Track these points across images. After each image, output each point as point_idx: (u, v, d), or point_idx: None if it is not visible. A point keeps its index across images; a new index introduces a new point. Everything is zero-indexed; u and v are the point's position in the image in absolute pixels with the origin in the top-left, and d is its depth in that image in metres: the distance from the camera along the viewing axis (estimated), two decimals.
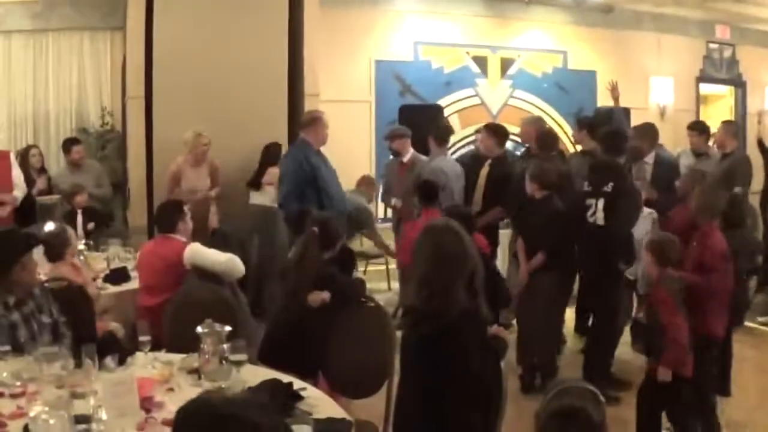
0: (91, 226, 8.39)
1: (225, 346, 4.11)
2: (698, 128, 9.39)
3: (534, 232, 6.86)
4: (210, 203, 7.65)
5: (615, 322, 7.05)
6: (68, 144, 9.61)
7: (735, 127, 9.54)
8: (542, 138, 8.11)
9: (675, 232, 6.12)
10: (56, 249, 5.91)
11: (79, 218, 8.46)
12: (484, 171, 8.38)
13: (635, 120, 10.52)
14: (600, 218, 6.83)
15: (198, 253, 5.94)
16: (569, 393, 2.79)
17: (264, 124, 8.75)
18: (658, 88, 14.31)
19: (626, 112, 10.61)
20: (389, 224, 10.07)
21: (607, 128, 7.83)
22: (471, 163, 8.76)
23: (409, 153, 9.01)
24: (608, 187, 6.84)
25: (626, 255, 6.82)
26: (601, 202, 6.83)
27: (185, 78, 8.56)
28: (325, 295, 5.23)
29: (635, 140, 8.16)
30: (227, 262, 5.88)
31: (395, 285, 10.46)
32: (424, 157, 8.90)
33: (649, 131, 8.51)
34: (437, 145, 8.73)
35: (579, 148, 9.00)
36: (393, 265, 10.71)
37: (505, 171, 8.20)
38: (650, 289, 5.78)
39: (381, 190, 9.87)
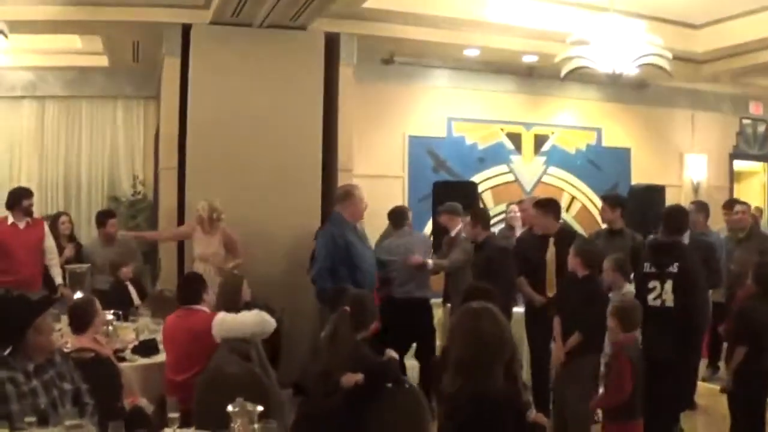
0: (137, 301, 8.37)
1: (256, 426, 4.01)
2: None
3: (573, 311, 6.73)
4: (242, 279, 7.57)
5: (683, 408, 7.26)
6: (102, 217, 9.45)
7: None
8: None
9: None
10: (82, 320, 5.80)
11: (132, 290, 8.45)
12: (551, 251, 7.92)
13: (670, 198, 10.48)
14: (669, 300, 6.77)
15: (226, 320, 5.93)
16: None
17: (297, 197, 8.76)
18: (692, 164, 14.21)
19: (661, 190, 10.59)
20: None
21: (671, 208, 7.87)
22: (530, 241, 8.35)
23: (457, 228, 8.89)
24: (674, 268, 6.81)
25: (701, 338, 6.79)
26: (668, 284, 6.78)
27: (219, 149, 8.61)
28: (359, 377, 5.12)
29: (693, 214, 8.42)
30: (255, 317, 5.93)
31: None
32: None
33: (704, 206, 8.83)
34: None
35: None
36: None
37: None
38: (613, 352, 6.01)
39: None
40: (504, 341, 3.63)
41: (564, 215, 12.64)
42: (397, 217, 9.03)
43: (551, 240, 7.90)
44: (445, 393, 3.77)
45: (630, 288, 7.03)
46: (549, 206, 8.17)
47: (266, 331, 6.01)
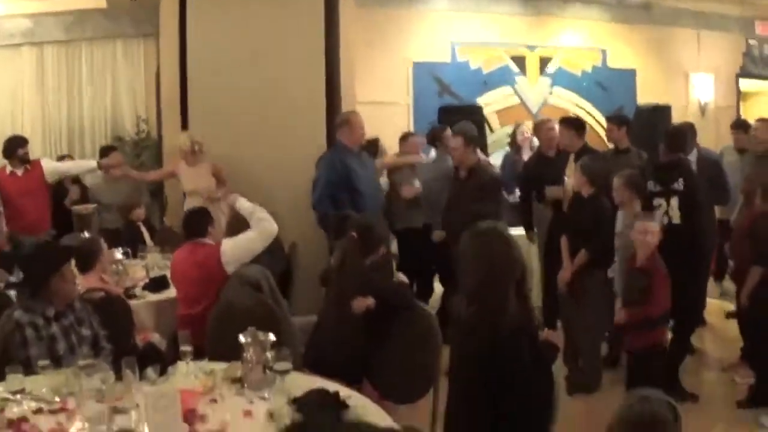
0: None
1: (269, 354, 4.01)
2: (743, 127, 9.50)
3: (580, 229, 6.72)
4: None
5: (694, 326, 7.20)
6: (105, 152, 9.29)
7: None
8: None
9: (742, 234, 6.64)
10: (87, 259, 5.80)
11: (145, 231, 8.47)
12: (571, 166, 7.88)
13: (676, 117, 10.39)
14: (676, 217, 6.80)
15: (231, 245, 5.98)
16: (649, 402, 2.66)
17: (302, 127, 8.65)
18: (698, 84, 14.09)
19: (667, 109, 10.49)
20: None
21: (672, 126, 7.93)
22: (543, 162, 8.51)
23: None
24: (679, 185, 6.83)
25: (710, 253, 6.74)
26: (674, 201, 6.81)
27: (220, 82, 8.50)
28: (370, 302, 5.13)
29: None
30: (258, 227, 6.06)
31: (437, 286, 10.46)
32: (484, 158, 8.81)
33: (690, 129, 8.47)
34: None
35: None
36: None
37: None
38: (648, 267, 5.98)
39: None
40: (514, 260, 3.57)
41: None
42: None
43: (572, 156, 7.92)
44: (458, 319, 3.72)
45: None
46: (573, 123, 8.24)
47: (271, 237, 6.10)
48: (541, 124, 8.97)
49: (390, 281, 5.44)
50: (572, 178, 7.38)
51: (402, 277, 5.58)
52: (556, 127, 8.44)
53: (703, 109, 13.88)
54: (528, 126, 10.34)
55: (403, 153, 9.09)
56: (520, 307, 3.55)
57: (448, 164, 8.35)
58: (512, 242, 3.62)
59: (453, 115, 9.95)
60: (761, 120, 9.19)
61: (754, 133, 8.95)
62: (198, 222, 6.24)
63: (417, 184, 8.67)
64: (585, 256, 6.70)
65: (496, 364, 3.41)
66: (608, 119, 8.66)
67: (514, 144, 10.26)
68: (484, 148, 9.42)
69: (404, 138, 9.30)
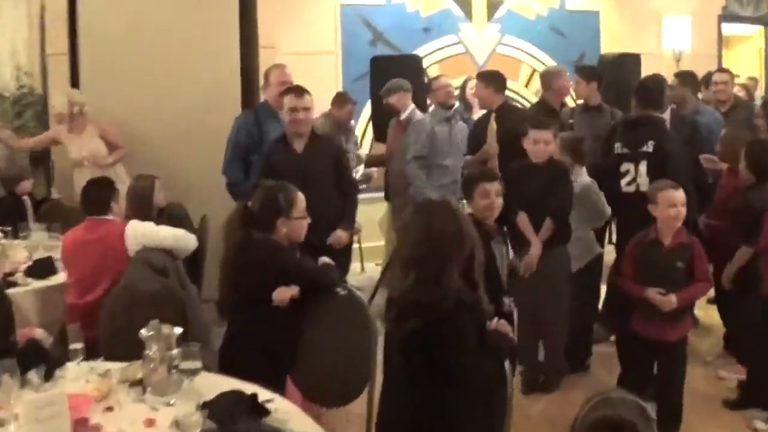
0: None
1: (175, 351, 3.94)
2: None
3: (539, 198, 6.73)
4: (154, 180, 7.43)
5: None
6: None
7: None
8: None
9: (726, 201, 6.81)
10: None
11: (30, 208, 8.33)
12: (492, 127, 8.19)
13: (647, 69, 10.43)
14: (644, 184, 6.82)
15: (139, 229, 5.88)
16: (614, 404, 2.65)
17: (212, 82, 8.56)
18: (672, 29, 14.05)
19: (635, 58, 10.54)
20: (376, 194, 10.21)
21: (645, 78, 7.98)
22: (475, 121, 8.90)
23: (408, 110, 9.15)
24: (648, 147, 6.91)
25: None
26: (643, 166, 6.90)
27: (117, 27, 8.39)
28: (294, 291, 5.03)
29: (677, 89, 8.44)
30: (176, 234, 5.96)
31: (369, 266, 10.50)
32: (420, 114, 9.07)
33: (691, 78, 8.75)
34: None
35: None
36: (367, 243, 10.73)
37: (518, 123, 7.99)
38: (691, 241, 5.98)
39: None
40: (461, 237, 3.79)
41: (523, 90, 12.69)
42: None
43: (492, 116, 8.16)
44: (394, 295, 3.90)
45: (583, 175, 7.16)
46: (490, 77, 8.41)
47: (185, 248, 6.01)
48: (435, 80, 9.38)
49: (309, 260, 5.33)
50: (491, 140, 8.00)
51: (326, 259, 5.47)
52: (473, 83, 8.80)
53: (678, 58, 13.87)
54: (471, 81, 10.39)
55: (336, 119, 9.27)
56: (466, 290, 3.77)
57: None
58: (461, 217, 3.86)
59: (387, 67, 9.94)
60: (722, 71, 9.26)
61: (715, 89, 9.01)
62: (99, 196, 6.12)
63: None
64: (551, 227, 6.69)
65: (435, 344, 3.63)
66: (577, 71, 8.72)
67: (463, 100, 10.30)
68: (424, 106, 9.41)
69: (340, 102, 9.38)
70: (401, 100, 9.12)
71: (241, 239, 5.05)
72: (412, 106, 9.15)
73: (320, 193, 6.32)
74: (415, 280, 3.70)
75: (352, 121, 9.98)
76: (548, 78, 8.83)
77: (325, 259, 5.47)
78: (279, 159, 6.86)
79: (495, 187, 5.73)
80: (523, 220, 6.72)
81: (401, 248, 3.92)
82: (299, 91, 6.96)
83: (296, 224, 5.17)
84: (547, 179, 6.70)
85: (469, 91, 10.14)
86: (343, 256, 7.03)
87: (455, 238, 3.78)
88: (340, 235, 6.85)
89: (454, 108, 8.86)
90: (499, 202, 5.73)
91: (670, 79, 8.88)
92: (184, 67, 8.52)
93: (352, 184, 7.38)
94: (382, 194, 9.95)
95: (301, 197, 5.23)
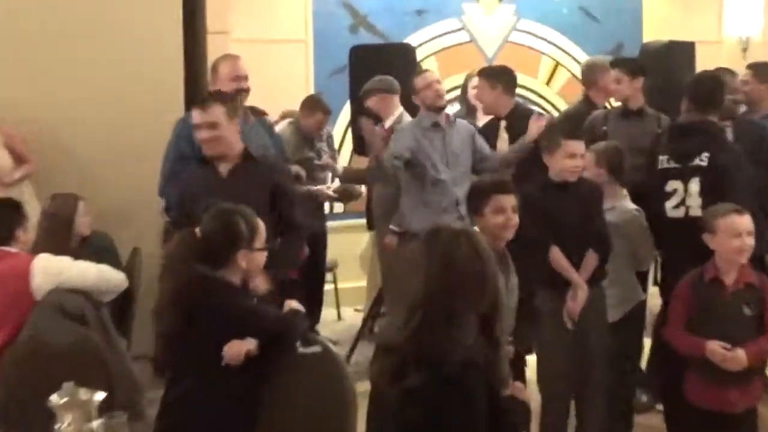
0: None
1: (95, 424, 3.86)
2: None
3: (575, 226, 6.68)
4: (76, 201, 7.38)
5: None
6: None
7: None
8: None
9: None
10: None
11: None
12: (503, 137, 8.26)
13: (703, 61, 10.40)
14: (695, 207, 6.82)
15: (51, 264, 5.88)
16: None
17: (147, 77, 8.53)
18: (737, 11, 14.01)
19: (688, 48, 10.53)
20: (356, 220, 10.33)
21: (701, 73, 7.88)
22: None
23: (394, 116, 9.00)
24: (702, 160, 6.85)
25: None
26: (694, 184, 6.84)
27: (22, 11, 8.34)
28: (250, 346, 4.99)
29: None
30: (100, 271, 6.00)
31: (347, 313, 10.47)
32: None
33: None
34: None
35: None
36: (344, 284, 10.71)
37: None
38: None
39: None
40: (483, 279, 3.77)
41: (543, 89, 12.72)
42: None
43: (502, 125, 8.24)
44: (388, 343, 3.90)
45: (624, 200, 7.18)
46: (497, 75, 8.48)
47: (110, 289, 6.09)
48: (419, 76, 8.93)
49: (272, 308, 5.29)
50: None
51: (294, 304, 5.40)
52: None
53: (744, 47, 13.87)
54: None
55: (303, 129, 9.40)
56: (483, 347, 3.77)
57: None
58: (486, 255, 3.84)
59: (372, 59, 9.87)
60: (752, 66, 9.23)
61: (744, 89, 8.93)
62: (2, 222, 6.10)
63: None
64: (595, 259, 6.62)
65: (437, 408, 3.61)
66: (616, 65, 8.64)
67: (465, 102, 10.25)
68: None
69: (308, 108, 9.37)
70: (384, 104, 9.02)
71: (187, 278, 4.97)
72: (400, 111, 9.02)
73: None
74: (420, 324, 3.66)
75: (327, 128, 9.92)
76: (593, 72, 8.86)
77: (293, 305, 5.41)
78: (198, 185, 6.69)
79: (511, 201, 5.68)
80: (558, 256, 6.62)
81: (404, 284, 3.89)
82: (203, 103, 6.80)
83: (258, 257, 5.16)
84: (583, 202, 6.67)
85: (471, 90, 10.07)
86: (312, 299, 6.99)
87: (477, 279, 3.77)
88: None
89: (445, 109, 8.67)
90: (516, 219, 5.69)
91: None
92: (112, 59, 8.49)
93: (295, 225, 7.03)
94: (363, 221, 9.93)
95: (262, 223, 5.22)
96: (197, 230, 5.10)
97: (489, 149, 8.41)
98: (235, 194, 6.13)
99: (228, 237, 5.04)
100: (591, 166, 6.87)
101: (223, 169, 6.72)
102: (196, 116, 6.69)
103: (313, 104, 9.98)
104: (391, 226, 8.54)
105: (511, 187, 5.86)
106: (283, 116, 10.20)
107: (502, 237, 5.59)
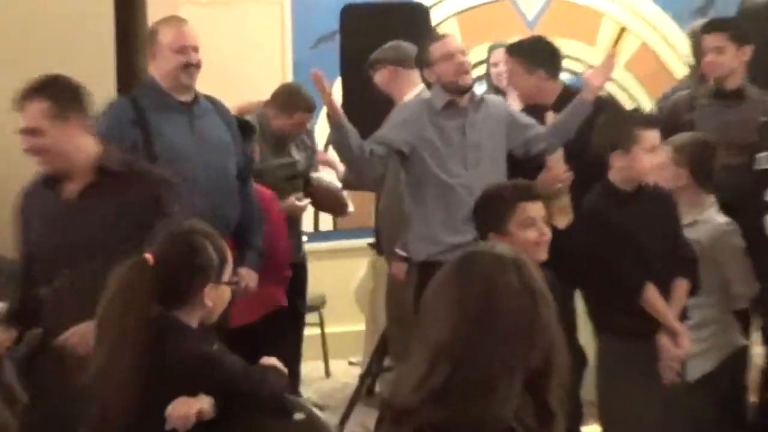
0: None
1: None
2: None
3: (657, 245, 6.74)
4: None
5: None
6: None
7: None
8: None
9: None
10: None
11: None
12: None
13: None
14: None
15: None
16: None
17: (65, 50, 8.60)
18: None
19: None
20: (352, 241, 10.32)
21: None
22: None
23: (414, 91, 8.88)
24: None
25: None
26: None
27: None
28: (202, 405, 5.05)
29: None
30: None
31: (338, 367, 10.61)
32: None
33: None
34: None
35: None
36: (334, 327, 10.74)
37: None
38: None
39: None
40: (535, 325, 3.46)
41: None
42: None
43: (548, 116, 8.10)
44: (400, 405, 3.60)
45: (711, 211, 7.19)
46: (535, 56, 8.34)
47: None
48: (435, 42, 8.55)
49: (238, 359, 5.32)
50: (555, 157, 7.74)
51: (272, 361, 5.43)
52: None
53: None
54: None
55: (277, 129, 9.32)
56: (528, 418, 3.50)
57: None
58: (540, 288, 3.52)
59: (370, 22, 9.91)
60: None
61: None
62: None
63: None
64: (686, 286, 6.72)
65: None
66: (713, 28, 8.65)
67: (488, 81, 10.46)
68: None
69: (285, 105, 9.30)
70: (392, 79, 8.95)
71: (138, 320, 4.94)
72: (419, 89, 8.88)
73: (93, 275, 5.63)
74: (444, 383, 3.38)
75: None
76: (699, 38, 8.84)
77: (271, 362, 5.44)
78: (36, 211, 6.51)
79: (541, 210, 5.75)
80: (654, 297, 6.61)
81: (425, 325, 3.57)
82: (24, 96, 6.33)
83: (226, 292, 5.23)
84: (660, 215, 6.74)
85: (494, 68, 10.19)
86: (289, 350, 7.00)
87: (528, 322, 3.45)
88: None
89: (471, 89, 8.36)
90: (549, 234, 5.72)
91: None
92: (17, 27, 8.58)
93: None
94: (361, 241, 9.95)
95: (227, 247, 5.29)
96: (148, 256, 5.04)
97: (535, 123, 8.13)
98: (84, 225, 6.21)
99: (193, 268, 5.07)
100: (667, 166, 6.88)
101: (70, 190, 6.42)
102: (22, 118, 6.34)
103: (291, 102, 9.51)
104: (396, 249, 8.56)
105: (539, 192, 5.90)
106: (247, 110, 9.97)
107: (535, 258, 5.41)
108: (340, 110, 7.82)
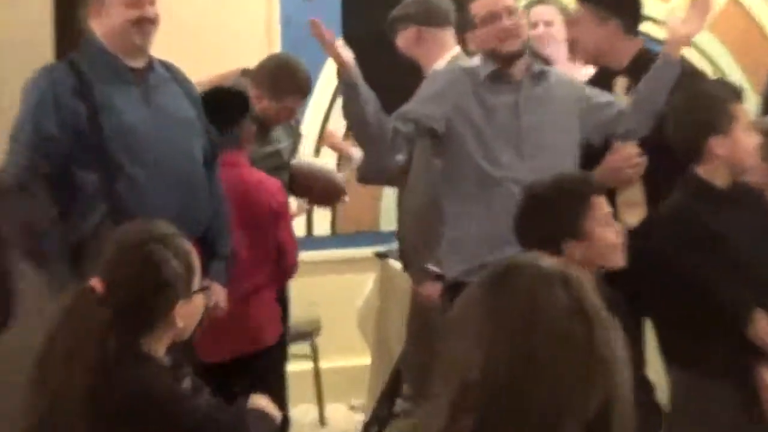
0: None
1: None
2: None
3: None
4: None
5: None
6: None
7: None
8: None
9: None
10: None
11: None
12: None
13: None
14: None
15: None
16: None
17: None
18: None
19: None
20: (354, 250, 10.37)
21: None
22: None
23: (446, 57, 8.83)
24: None
25: None
26: None
27: None
28: None
29: None
30: None
31: (336, 412, 10.59)
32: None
33: None
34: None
35: None
36: (331, 362, 10.69)
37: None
38: None
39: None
40: (593, 359, 3.35)
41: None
42: None
43: (619, 83, 8.02)
44: None
45: None
46: (602, 2, 8.19)
47: None
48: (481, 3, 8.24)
49: (216, 402, 5.27)
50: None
51: (262, 402, 5.41)
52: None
53: None
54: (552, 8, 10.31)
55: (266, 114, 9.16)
56: None
57: None
58: (597, 311, 3.41)
59: None
60: None
61: None
62: None
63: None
64: None
65: None
66: None
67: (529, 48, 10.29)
68: None
69: (275, 87, 9.20)
70: (418, 42, 8.88)
71: (88, 361, 4.95)
72: (454, 53, 8.86)
73: None
74: (476, 426, 3.31)
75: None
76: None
77: (262, 403, 5.40)
78: None
79: (606, 205, 5.64)
80: (764, 324, 6.58)
81: (449, 352, 3.49)
82: None
83: (197, 304, 5.29)
84: (760, 218, 6.65)
85: (535, 30, 9.95)
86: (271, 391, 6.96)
87: (580, 354, 3.35)
88: None
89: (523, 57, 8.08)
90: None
91: None
92: None
93: None
94: (365, 250, 9.89)
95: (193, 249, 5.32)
96: (95, 284, 5.05)
97: (614, 100, 7.95)
98: None
99: (155, 288, 5.06)
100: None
101: None
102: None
103: (282, 83, 9.22)
104: (429, 266, 8.41)
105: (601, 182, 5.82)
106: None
107: (611, 263, 5.60)
108: (353, 62, 7.46)
